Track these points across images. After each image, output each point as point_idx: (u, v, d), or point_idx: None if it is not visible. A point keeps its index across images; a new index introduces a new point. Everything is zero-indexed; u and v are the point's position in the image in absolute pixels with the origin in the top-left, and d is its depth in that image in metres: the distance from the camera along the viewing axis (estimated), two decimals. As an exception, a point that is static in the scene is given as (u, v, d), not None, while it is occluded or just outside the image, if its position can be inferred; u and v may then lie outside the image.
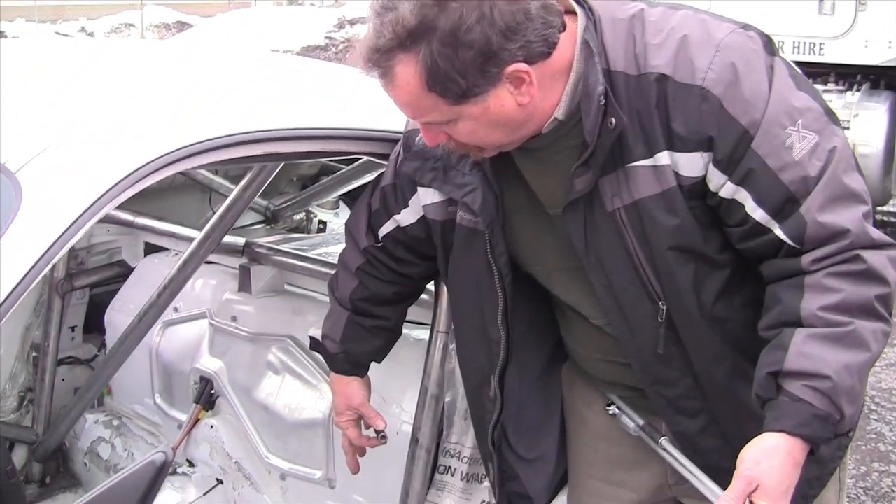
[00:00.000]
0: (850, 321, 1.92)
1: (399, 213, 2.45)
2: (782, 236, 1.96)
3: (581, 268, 2.18)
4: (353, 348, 2.66)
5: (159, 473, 1.40)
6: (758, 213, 1.97)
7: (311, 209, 4.54)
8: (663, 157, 1.97)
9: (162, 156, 2.06)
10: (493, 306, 2.32)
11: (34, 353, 4.30)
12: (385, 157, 2.61)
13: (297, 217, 4.54)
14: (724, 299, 2.11)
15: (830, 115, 2.01)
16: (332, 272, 3.36)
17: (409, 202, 2.42)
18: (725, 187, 1.97)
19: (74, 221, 1.91)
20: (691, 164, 1.97)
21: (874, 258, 1.94)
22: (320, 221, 4.54)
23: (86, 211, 1.93)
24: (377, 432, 2.73)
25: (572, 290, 2.30)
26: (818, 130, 1.95)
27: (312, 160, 4.08)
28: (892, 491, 5.30)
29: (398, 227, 2.48)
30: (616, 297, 2.15)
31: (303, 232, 4.50)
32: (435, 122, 1.99)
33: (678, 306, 2.10)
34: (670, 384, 2.21)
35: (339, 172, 4.21)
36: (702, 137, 1.94)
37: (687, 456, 2.25)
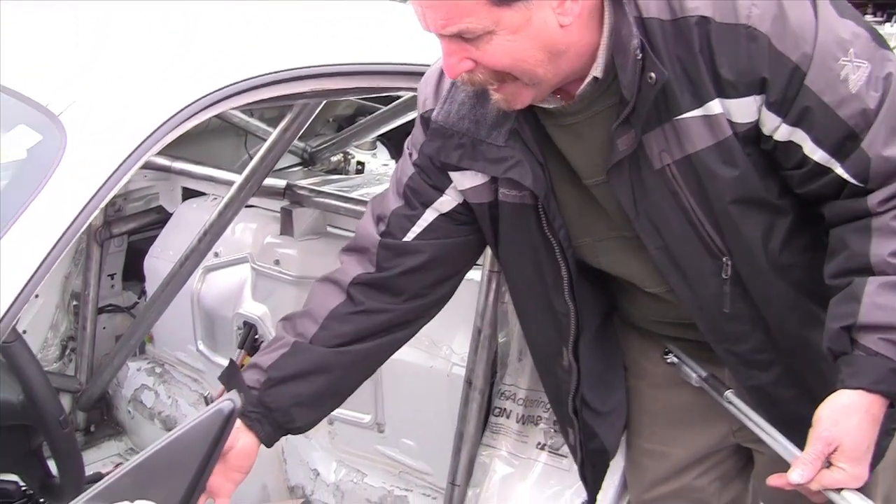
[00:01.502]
0: None
1: (439, 199, 2.20)
2: (845, 175, 1.85)
3: (627, 237, 2.08)
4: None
5: (227, 421, 1.35)
6: (817, 154, 1.85)
7: (348, 150, 4.47)
8: (715, 106, 1.84)
9: (208, 94, 1.99)
10: (558, 280, 2.17)
11: (75, 302, 4.26)
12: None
13: (334, 159, 4.47)
14: (789, 246, 2.01)
15: (879, 39, 1.88)
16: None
17: (447, 189, 2.19)
18: (780, 130, 1.85)
19: (122, 163, 1.85)
20: (744, 109, 1.84)
21: None
22: (358, 162, 4.47)
23: (133, 152, 1.87)
24: None
25: (622, 261, 2.18)
26: (870, 58, 1.83)
27: (353, 98, 4.00)
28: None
29: (440, 215, 2.22)
30: (674, 258, 2.04)
31: (340, 174, 4.44)
32: (467, 35, 1.78)
33: (745, 260, 2.00)
34: (740, 340, 2.12)
35: (376, 113, 4.13)
36: (753, 80, 1.81)
37: (763, 408, 2.16)
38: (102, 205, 1.83)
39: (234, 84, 2.05)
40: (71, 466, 2.39)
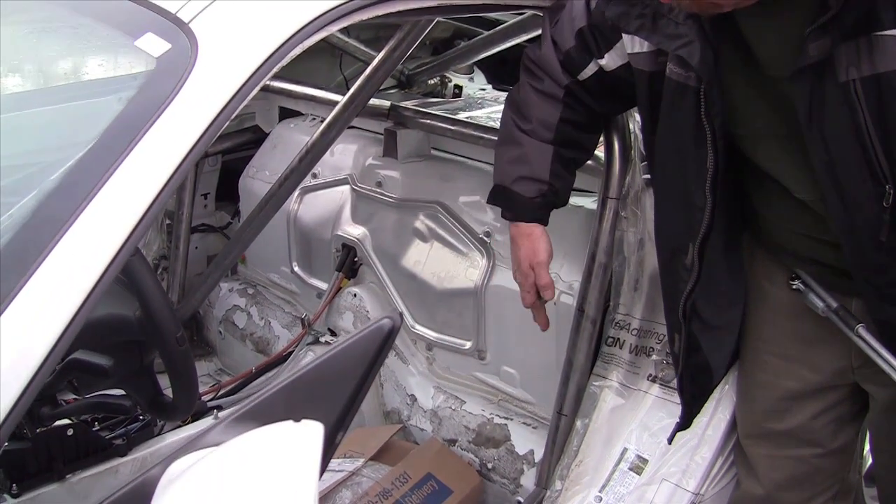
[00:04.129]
0: None
1: (602, 57, 2.33)
2: None
3: (792, 136, 2.02)
4: (560, 184, 2.49)
5: (387, 339, 1.30)
6: None
7: (446, 74, 4.40)
8: None
9: (342, 4, 1.94)
10: (702, 170, 2.14)
11: (168, 221, 4.27)
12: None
13: (431, 82, 4.41)
14: None
15: None
16: (482, 135, 3.27)
17: (614, 47, 2.28)
18: None
19: (253, 74, 1.81)
20: None
21: None
22: (456, 86, 4.40)
23: (264, 63, 1.83)
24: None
25: (779, 160, 2.13)
26: None
27: (479, 14, 3.93)
28: None
29: (601, 70, 2.36)
30: (836, 176, 1.97)
31: (437, 97, 4.37)
32: None
33: None
34: (883, 271, 2.05)
35: (477, 38, 4.05)
36: None
37: (886, 346, 2.10)
38: (234, 115, 1.79)
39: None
40: (186, 384, 2.38)
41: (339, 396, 1.29)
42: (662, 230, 2.39)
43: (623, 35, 2.22)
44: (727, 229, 2.28)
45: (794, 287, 2.30)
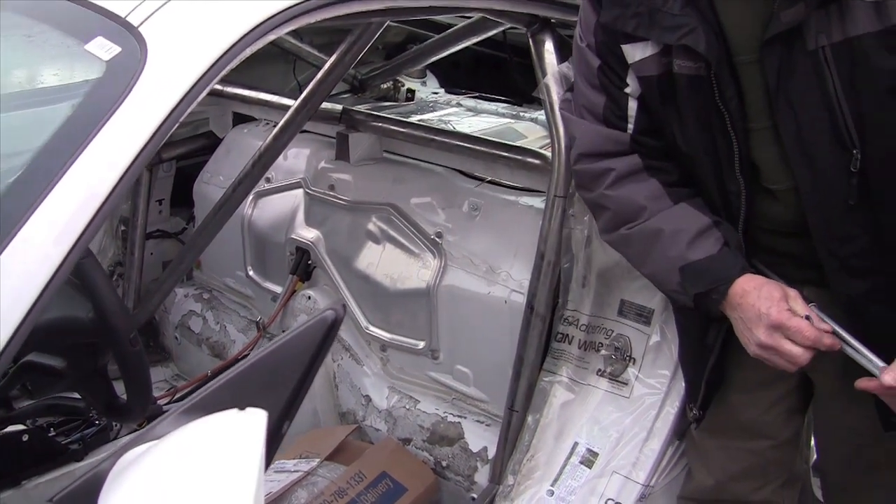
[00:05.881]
0: None
1: (627, 85, 2.21)
2: None
3: (762, 129, 2.07)
4: (724, 232, 2.21)
5: (330, 331, 1.33)
6: None
7: (398, 78, 4.43)
8: None
9: (291, 6, 1.97)
10: (729, 155, 2.12)
11: (122, 228, 4.28)
12: (502, 13, 2.51)
13: (384, 86, 4.44)
14: None
15: None
16: (434, 137, 3.30)
17: (627, 78, 2.20)
18: None
19: (203, 76, 1.83)
20: None
21: None
22: (408, 90, 4.43)
23: (214, 65, 1.85)
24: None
25: (753, 150, 2.14)
26: None
27: (425, 17, 3.96)
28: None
29: (639, 99, 2.23)
30: (804, 145, 2.02)
31: (390, 101, 4.41)
32: None
33: (878, 156, 1.97)
34: (847, 240, 2.08)
35: (429, 41, 4.09)
36: None
37: (850, 321, 2.12)
38: (183, 117, 1.81)
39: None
40: (139, 386, 2.38)
41: (284, 387, 1.33)
42: None
43: (623, 49, 2.17)
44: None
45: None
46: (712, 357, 2.37)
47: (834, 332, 2.06)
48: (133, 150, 1.72)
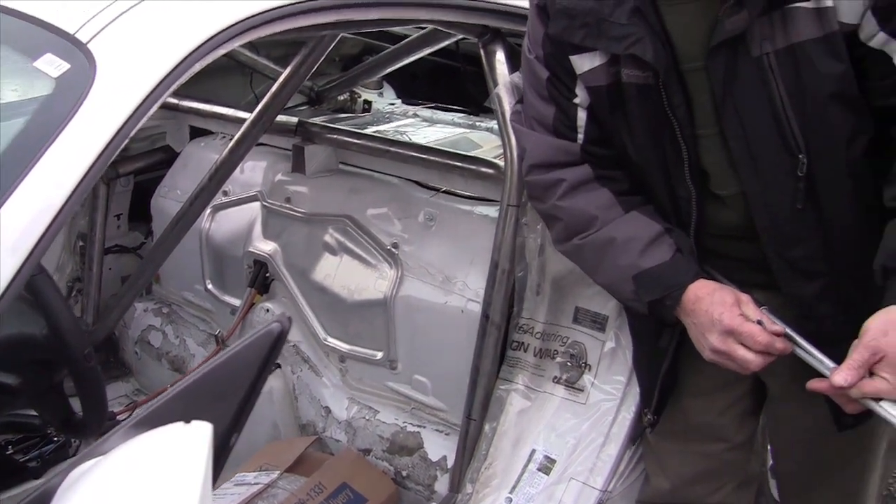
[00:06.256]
0: None
1: (577, 95, 2.23)
2: None
3: (710, 135, 2.10)
4: (677, 238, 2.22)
5: (277, 343, 1.34)
6: None
7: (355, 89, 4.45)
8: (827, 0, 1.89)
9: (239, 21, 1.99)
10: (679, 162, 2.14)
11: (81, 243, 4.27)
12: (453, 25, 2.53)
13: (341, 98, 4.45)
14: (867, 160, 2.03)
15: None
16: (389, 148, 3.32)
17: (576, 89, 2.22)
18: (877, 37, 1.90)
19: (152, 91, 1.85)
20: (852, 9, 1.89)
21: None
22: (365, 101, 4.45)
23: (164, 80, 1.87)
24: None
25: (701, 157, 2.17)
26: None
27: (377, 30, 3.98)
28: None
29: (588, 108, 2.24)
30: (751, 150, 2.04)
31: (347, 112, 4.42)
32: None
33: (823, 160, 2.01)
34: (796, 243, 2.11)
35: (384, 52, 4.11)
36: None
37: (800, 323, 2.14)
38: (133, 133, 1.83)
39: (263, 13, 2.04)
40: (95, 401, 2.39)
41: (231, 400, 1.33)
42: None
43: (571, 60, 2.19)
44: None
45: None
46: (666, 361, 2.40)
47: (785, 335, 2.08)
48: (84, 165, 1.73)
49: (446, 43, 3.44)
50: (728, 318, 2.04)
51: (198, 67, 1.94)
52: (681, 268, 2.17)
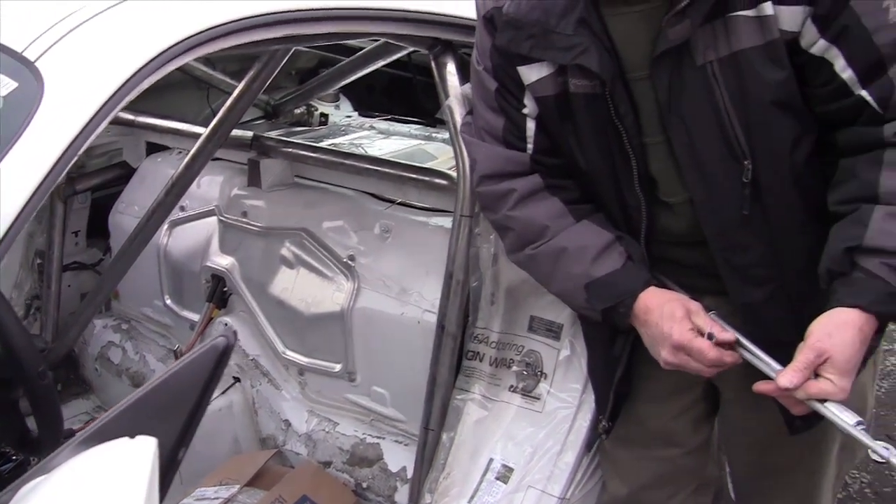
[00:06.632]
0: None
1: (525, 105, 2.25)
2: (868, 98, 1.92)
3: (656, 143, 2.12)
4: (627, 246, 2.24)
5: (222, 357, 1.36)
6: (846, 73, 1.93)
7: (311, 103, 4.46)
8: (767, 8, 1.92)
9: (186, 38, 2.00)
10: (627, 171, 2.17)
11: (39, 261, 4.26)
12: (403, 37, 2.55)
13: (297, 111, 4.46)
14: (811, 164, 2.06)
15: None
16: (343, 161, 3.34)
17: (524, 99, 2.24)
18: (817, 45, 1.93)
19: (100, 109, 1.86)
20: (792, 17, 1.92)
21: None
22: (322, 115, 4.46)
23: (112, 97, 1.88)
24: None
25: (657, 162, 2.19)
26: None
27: (328, 43, 3.99)
28: (896, 369, 5.37)
29: (537, 120, 2.26)
30: (697, 157, 2.07)
31: (304, 126, 4.43)
32: None
33: (768, 165, 2.04)
34: (744, 250, 2.14)
35: (340, 64, 4.12)
36: None
37: (748, 327, 2.16)
38: (81, 151, 1.83)
39: (210, 29, 2.05)
40: (50, 419, 2.38)
41: (178, 414, 1.35)
42: None
43: (518, 71, 2.20)
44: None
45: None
46: (620, 368, 2.42)
47: (736, 340, 2.11)
48: (34, 182, 1.74)
49: (398, 55, 3.46)
50: (677, 334, 2.06)
51: (146, 84, 1.95)
52: (631, 275, 2.19)
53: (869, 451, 1.87)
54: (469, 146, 2.44)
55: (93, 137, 1.85)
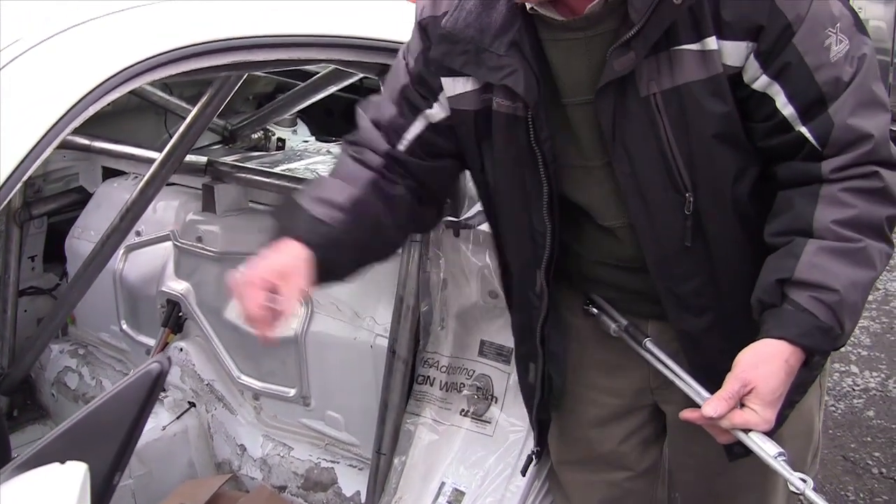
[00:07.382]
0: (861, 238, 1.91)
1: (432, 107, 2.26)
2: (808, 135, 1.94)
3: (592, 168, 2.14)
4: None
5: (156, 383, 1.37)
6: (787, 110, 1.95)
7: (268, 127, 4.47)
8: (711, 43, 1.93)
9: (131, 66, 2.00)
10: (538, 196, 2.17)
11: (-6, 286, 4.23)
12: (353, 64, 2.56)
13: (255, 136, 4.47)
14: (753, 196, 2.07)
15: (859, 23, 2.00)
16: (297, 186, 3.33)
17: (439, 97, 2.25)
18: (760, 80, 1.95)
19: (44, 136, 1.86)
20: (736, 52, 1.93)
21: (891, 178, 1.94)
22: (279, 139, 4.47)
23: (55, 125, 1.87)
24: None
25: (583, 189, 2.21)
26: (850, 37, 1.94)
27: (277, 70, 4.00)
28: (853, 390, 5.40)
29: (429, 125, 2.27)
30: (640, 187, 2.08)
31: (261, 150, 4.44)
32: None
33: (710, 198, 2.06)
34: (684, 280, 2.16)
35: (295, 89, 4.14)
36: (750, 26, 1.91)
37: (687, 355, 2.21)
38: (25, 178, 1.83)
39: (157, 56, 2.05)
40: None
41: (112, 439, 1.36)
42: (512, 259, 2.40)
43: (443, 81, 2.22)
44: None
45: (588, 311, 2.39)
46: (536, 395, 2.44)
47: (666, 367, 2.15)
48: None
49: (351, 81, 3.48)
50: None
51: (93, 110, 1.95)
52: (298, 217, 2.15)
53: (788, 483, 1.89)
54: (358, 117, 2.38)
55: (40, 161, 1.86)
